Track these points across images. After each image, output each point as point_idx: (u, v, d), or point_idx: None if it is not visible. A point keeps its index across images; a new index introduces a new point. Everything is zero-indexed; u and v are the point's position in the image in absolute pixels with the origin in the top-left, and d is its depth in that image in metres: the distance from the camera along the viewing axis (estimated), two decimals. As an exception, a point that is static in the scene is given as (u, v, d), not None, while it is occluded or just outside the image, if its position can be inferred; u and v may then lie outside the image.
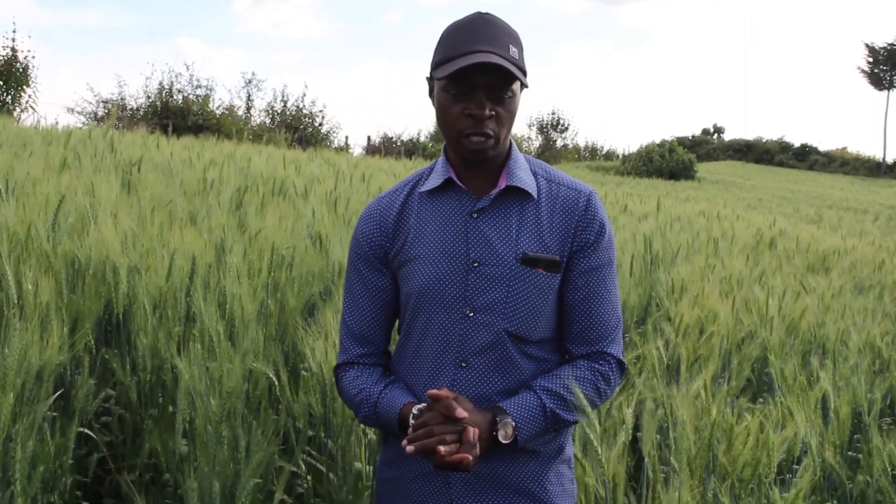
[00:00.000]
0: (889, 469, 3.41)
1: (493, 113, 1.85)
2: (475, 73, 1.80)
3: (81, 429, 3.02)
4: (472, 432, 1.76)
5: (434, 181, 1.98)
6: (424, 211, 1.99)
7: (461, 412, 1.77)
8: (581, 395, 1.92)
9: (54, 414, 2.95)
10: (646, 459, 2.65)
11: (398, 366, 2.06)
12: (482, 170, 1.95)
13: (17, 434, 2.32)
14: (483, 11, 1.89)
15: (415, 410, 1.88)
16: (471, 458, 1.75)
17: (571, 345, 2.01)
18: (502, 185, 1.93)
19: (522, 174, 1.96)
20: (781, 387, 4.03)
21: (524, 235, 1.93)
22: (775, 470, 2.83)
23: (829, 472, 3.62)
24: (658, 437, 2.86)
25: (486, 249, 1.92)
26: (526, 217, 1.94)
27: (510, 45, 1.84)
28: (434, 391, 1.81)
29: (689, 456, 2.67)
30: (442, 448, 1.73)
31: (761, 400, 4.59)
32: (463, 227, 1.94)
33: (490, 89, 1.83)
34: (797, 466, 3.46)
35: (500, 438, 1.84)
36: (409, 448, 1.76)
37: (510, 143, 1.98)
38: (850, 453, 4.00)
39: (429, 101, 1.97)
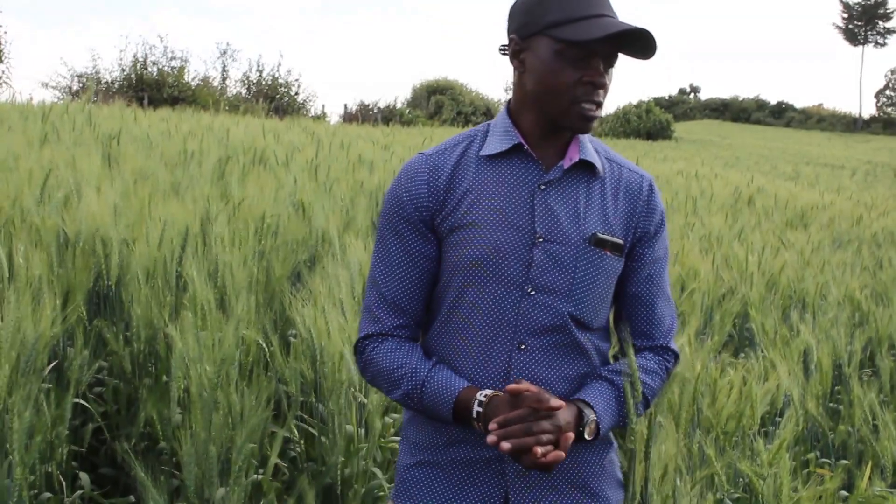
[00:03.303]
0: (870, 418, 3.48)
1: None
2: (604, 41, 1.67)
3: (76, 399, 3.05)
4: (569, 438, 1.60)
5: (499, 145, 1.80)
6: (483, 174, 1.80)
7: (556, 401, 1.61)
8: (646, 391, 1.83)
9: (49, 385, 2.98)
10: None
11: (437, 343, 1.86)
12: (555, 139, 1.81)
13: (13, 405, 2.35)
14: None
15: (481, 397, 1.69)
16: (562, 457, 1.59)
17: (634, 337, 1.90)
18: (575, 157, 1.79)
19: (591, 149, 1.83)
20: (763, 341, 4.09)
21: (591, 215, 1.79)
22: (759, 422, 2.89)
23: (812, 422, 3.69)
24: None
25: (552, 225, 1.76)
26: (592, 196, 1.81)
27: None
28: (514, 385, 1.63)
29: (674, 410, 2.73)
30: (539, 449, 1.56)
31: (743, 355, 4.65)
32: (529, 199, 1.77)
33: (608, 57, 1.73)
34: (780, 419, 3.53)
35: (586, 436, 1.70)
36: (505, 445, 1.57)
37: None
38: (831, 404, 4.08)
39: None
